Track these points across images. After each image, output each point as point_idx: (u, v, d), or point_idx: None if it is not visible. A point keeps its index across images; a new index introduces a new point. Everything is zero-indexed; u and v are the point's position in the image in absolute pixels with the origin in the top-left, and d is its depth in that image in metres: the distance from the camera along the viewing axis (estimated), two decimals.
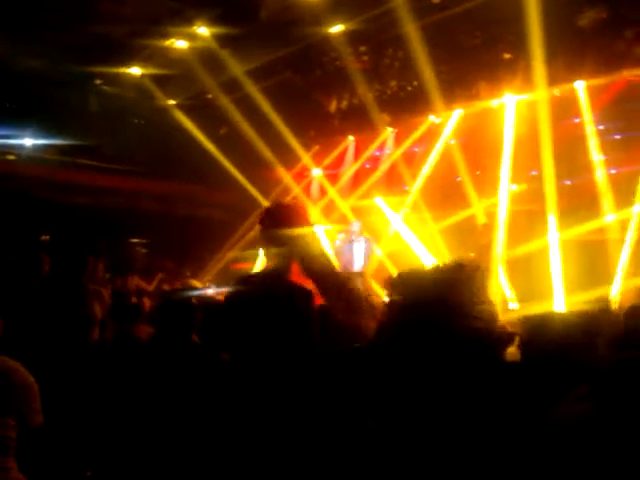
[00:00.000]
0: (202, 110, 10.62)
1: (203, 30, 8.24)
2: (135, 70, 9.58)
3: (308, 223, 2.90)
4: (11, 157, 10.70)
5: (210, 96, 10.40)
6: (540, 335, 2.57)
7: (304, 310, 2.78)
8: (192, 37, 8.48)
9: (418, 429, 2.15)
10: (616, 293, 7.34)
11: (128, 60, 9.22)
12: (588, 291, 6.56)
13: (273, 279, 2.81)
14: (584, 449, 1.82)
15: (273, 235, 2.84)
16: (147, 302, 4.95)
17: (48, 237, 9.67)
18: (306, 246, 2.84)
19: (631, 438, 1.74)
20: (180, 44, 8.69)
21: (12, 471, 2.16)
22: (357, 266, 8.54)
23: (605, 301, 5.05)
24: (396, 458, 2.24)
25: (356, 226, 8.84)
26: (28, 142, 10.62)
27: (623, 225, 7.70)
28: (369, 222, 10.29)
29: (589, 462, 1.79)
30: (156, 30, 8.27)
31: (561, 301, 7.80)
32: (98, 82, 9.99)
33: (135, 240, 11.46)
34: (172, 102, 10.51)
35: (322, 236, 8.78)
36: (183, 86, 10.09)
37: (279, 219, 2.86)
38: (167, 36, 8.48)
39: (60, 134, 10.19)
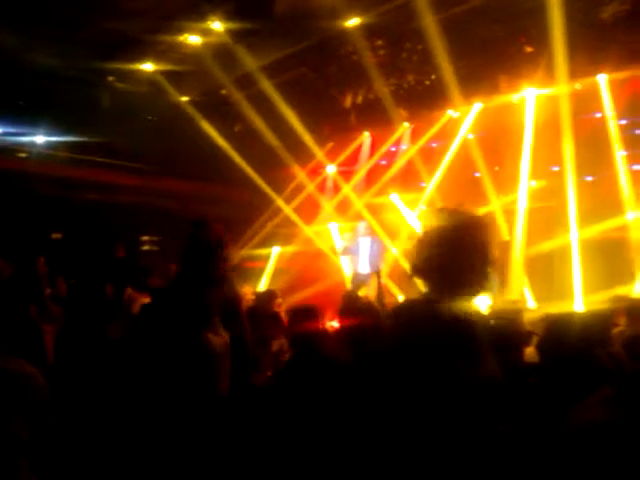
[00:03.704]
0: (216, 107, 10.55)
1: (217, 25, 8.16)
2: (148, 66, 9.50)
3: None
4: (22, 155, 10.67)
5: (224, 92, 10.33)
6: (558, 335, 2.59)
7: None
8: (206, 32, 8.39)
9: (434, 429, 2.05)
10: (638, 292, 7.23)
11: (141, 56, 9.13)
12: (609, 290, 6.49)
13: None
14: (612, 451, 1.78)
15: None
16: None
17: (60, 235, 9.63)
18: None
19: None
20: (193, 39, 8.60)
21: (22, 469, 2.15)
22: (364, 267, 8.43)
23: (623, 300, 4.98)
24: (406, 456, 2.13)
25: (362, 227, 8.73)
26: (40, 139, 10.58)
27: None
28: (384, 219, 10.20)
29: (617, 464, 1.77)
30: (169, 25, 8.18)
31: (580, 301, 7.71)
32: (110, 79, 9.92)
33: (147, 238, 11.43)
34: (185, 99, 10.43)
35: None
36: (196, 82, 10.02)
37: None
38: (180, 31, 8.39)
39: (72, 131, 10.16)
